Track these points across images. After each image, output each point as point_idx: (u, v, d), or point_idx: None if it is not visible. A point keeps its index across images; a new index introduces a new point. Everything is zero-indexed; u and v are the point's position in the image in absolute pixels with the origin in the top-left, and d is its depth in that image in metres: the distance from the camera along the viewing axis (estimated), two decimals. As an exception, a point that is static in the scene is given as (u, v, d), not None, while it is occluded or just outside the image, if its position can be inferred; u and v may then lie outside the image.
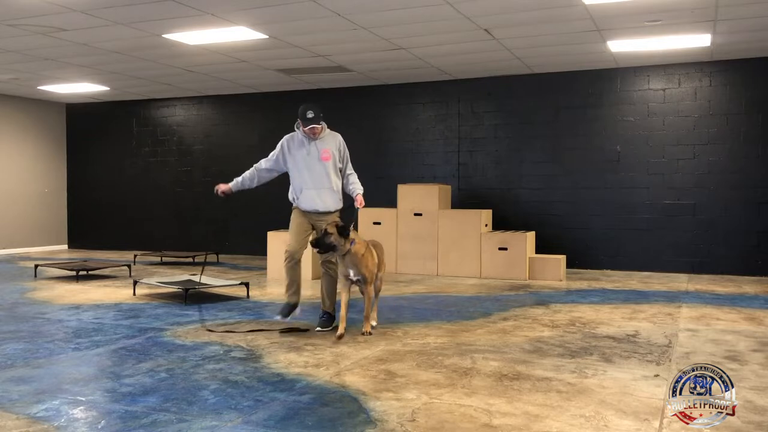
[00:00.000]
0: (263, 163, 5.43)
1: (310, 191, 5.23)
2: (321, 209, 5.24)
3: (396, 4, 6.45)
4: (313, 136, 5.21)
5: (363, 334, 5.00)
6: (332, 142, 5.32)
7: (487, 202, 9.86)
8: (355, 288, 5.25)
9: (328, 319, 5.30)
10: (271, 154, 5.41)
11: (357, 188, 5.37)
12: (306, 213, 5.28)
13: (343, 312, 5.03)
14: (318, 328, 5.23)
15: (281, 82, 10.43)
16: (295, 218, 5.33)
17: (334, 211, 5.31)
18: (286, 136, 5.40)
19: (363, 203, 5.32)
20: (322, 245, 4.91)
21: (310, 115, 5.15)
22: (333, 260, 5.22)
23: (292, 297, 5.28)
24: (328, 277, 5.34)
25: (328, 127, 5.35)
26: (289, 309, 5.28)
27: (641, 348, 4.69)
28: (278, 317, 5.32)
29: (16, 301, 6.72)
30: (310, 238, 5.15)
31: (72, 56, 8.74)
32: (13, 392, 3.64)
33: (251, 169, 5.47)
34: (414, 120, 10.49)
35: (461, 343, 4.83)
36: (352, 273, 5.02)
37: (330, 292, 5.35)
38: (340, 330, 4.95)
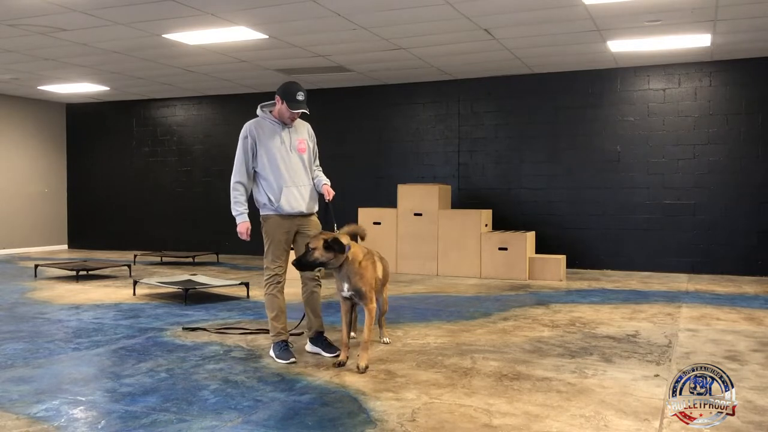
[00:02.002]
0: (238, 175, 4.38)
1: (290, 189, 4.35)
2: (306, 210, 4.41)
3: (396, 4, 6.45)
4: (290, 122, 4.38)
5: (358, 368, 4.05)
6: (304, 132, 4.53)
7: (487, 202, 9.86)
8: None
9: (327, 341, 4.52)
10: (238, 156, 4.36)
11: (323, 179, 4.52)
12: (287, 219, 4.37)
13: (344, 335, 4.31)
14: (329, 356, 4.40)
15: (281, 82, 10.35)
16: (275, 229, 4.36)
17: (315, 213, 4.54)
18: (250, 124, 4.40)
19: (332, 193, 4.45)
20: (306, 265, 4.07)
21: (300, 96, 4.30)
22: (317, 274, 4.51)
23: (283, 333, 4.39)
24: (316, 295, 4.53)
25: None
26: (290, 348, 4.40)
27: (641, 348, 4.69)
28: (285, 361, 4.28)
29: (16, 301, 6.72)
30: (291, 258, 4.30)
31: (72, 56, 8.74)
32: (13, 392, 3.64)
33: (236, 190, 4.39)
34: (414, 120, 10.49)
35: (461, 343, 4.82)
36: (345, 287, 4.15)
37: (317, 311, 4.54)
38: (342, 356, 4.20)
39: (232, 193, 4.39)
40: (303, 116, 4.49)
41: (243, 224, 4.35)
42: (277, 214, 4.37)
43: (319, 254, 3.99)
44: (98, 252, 12.21)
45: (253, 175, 4.43)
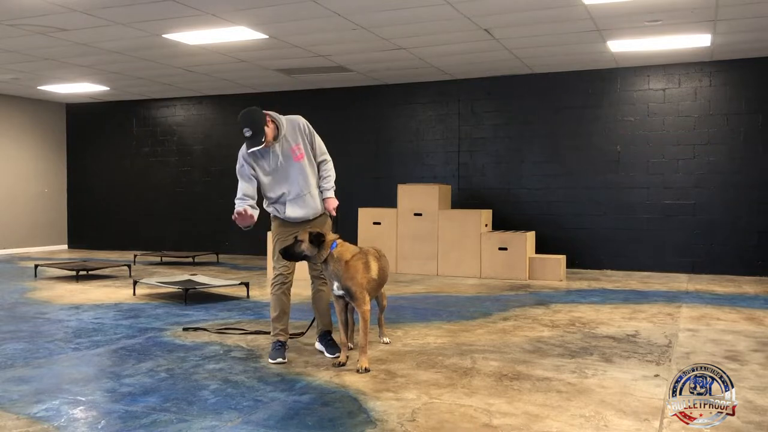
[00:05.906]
0: (240, 193, 4.30)
1: (294, 201, 4.35)
2: (311, 216, 4.42)
3: (396, 4, 6.45)
4: (265, 147, 4.21)
5: (358, 371, 4.03)
6: (296, 134, 4.33)
7: (487, 202, 9.86)
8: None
9: (331, 341, 4.52)
10: (240, 184, 4.32)
11: (327, 184, 4.47)
12: (294, 224, 4.40)
13: (342, 336, 4.33)
14: (330, 356, 4.40)
15: (281, 82, 10.43)
16: (281, 231, 4.40)
17: (323, 214, 4.50)
18: (243, 150, 4.28)
19: (335, 205, 4.47)
20: (291, 255, 4.16)
21: (247, 133, 4.09)
22: (323, 276, 4.44)
23: (281, 334, 4.37)
24: (321, 293, 4.55)
25: (290, 115, 4.42)
26: (283, 350, 4.35)
27: (641, 348, 4.69)
28: (273, 361, 4.29)
29: (16, 301, 6.72)
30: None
31: (72, 56, 8.74)
32: (13, 392, 3.64)
33: (240, 200, 4.31)
34: (414, 120, 10.49)
35: (461, 343, 4.82)
36: (335, 285, 4.14)
37: (323, 309, 4.57)
38: (342, 357, 4.21)
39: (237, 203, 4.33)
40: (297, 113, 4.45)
41: (239, 206, 4.25)
42: (284, 219, 4.44)
43: (305, 246, 4.08)
44: (98, 252, 12.21)
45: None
